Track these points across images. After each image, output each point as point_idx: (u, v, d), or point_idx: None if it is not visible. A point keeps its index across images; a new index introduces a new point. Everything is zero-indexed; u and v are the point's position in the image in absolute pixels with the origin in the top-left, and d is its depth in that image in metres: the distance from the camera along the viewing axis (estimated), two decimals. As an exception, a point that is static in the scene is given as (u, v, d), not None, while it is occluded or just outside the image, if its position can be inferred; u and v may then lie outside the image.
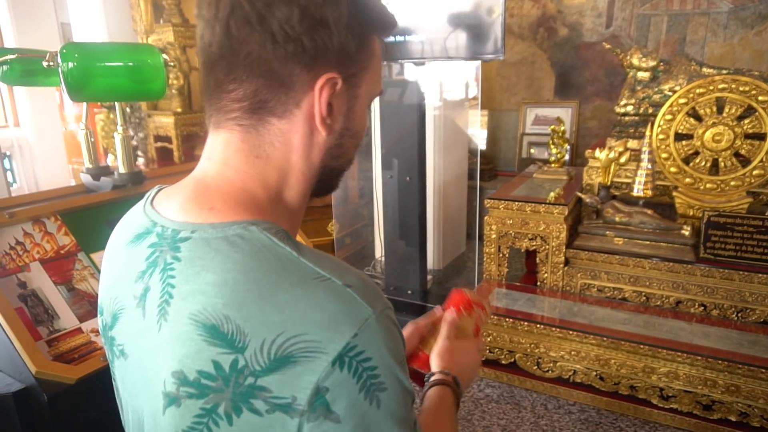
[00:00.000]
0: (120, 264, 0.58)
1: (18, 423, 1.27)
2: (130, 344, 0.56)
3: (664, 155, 2.54)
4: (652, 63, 2.72)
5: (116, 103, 1.57)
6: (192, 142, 4.38)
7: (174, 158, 4.21)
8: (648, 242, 2.45)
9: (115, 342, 0.59)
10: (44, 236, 1.47)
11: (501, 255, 2.71)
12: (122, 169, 1.66)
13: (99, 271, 1.51)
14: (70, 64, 1.29)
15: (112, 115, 4.05)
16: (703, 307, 2.32)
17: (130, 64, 1.37)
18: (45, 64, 1.32)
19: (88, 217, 1.57)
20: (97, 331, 1.40)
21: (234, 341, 0.45)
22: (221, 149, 0.55)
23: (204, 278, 0.48)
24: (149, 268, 0.53)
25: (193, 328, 0.47)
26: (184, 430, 0.48)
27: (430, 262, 3.34)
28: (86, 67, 1.30)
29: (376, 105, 3.15)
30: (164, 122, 4.21)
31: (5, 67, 1.53)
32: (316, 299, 0.46)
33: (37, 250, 1.44)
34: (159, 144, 4.30)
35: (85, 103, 1.61)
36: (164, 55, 1.47)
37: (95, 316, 1.43)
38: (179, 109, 4.21)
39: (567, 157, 3.15)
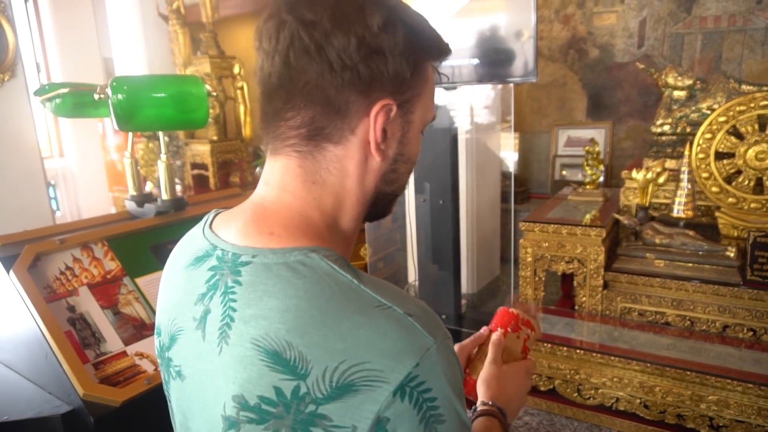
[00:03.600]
0: (179, 286, 0.59)
1: (66, 445, 1.30)
2: (188, 366, 0.57)
3: (704, 175, 2.48)
4: (688, 82, 2.67)
5: (159, 132, 1.63)
6: (227, 170, 4.49)
7: (210, 185, 4.32)
8: (691, 264, 2.37)
9: (172, 363, 0.60)
10: (92, 261, 1.52)
11: (537, 278, 2.67)
12: (165, 196, 1.70)
13: (144, 295, 1.55)
14: (120, 96, 1.35)
15: (151, 145, 4.19)
16: (752, 332, 2.23)
17: (175, 95, 1.43)
18: (96, 96, 1.38)
19: (133, 242, 1.62)
20: (142, 354, 1.43)
21: (296, 368, 0.45)
22: (279, 174, 0.57)
23: (266, 303, 0.48)
24: (210, 290, 0.54)
25: (256, 353, 0.47)
26: None
27: (464, 286, 3.31)
28: (134, 99, 1.36)
29: (407, 129, 3.17)
30: (201, 150, 4.33)
31: (58, 101, 1.61)
32: (378, 327, 0.46)
33: (85, 275, 1.49)
34: (195, 171, 4.42)
35: (130, 133, 1.68)
36: (207, 86, 1.52)
37: (140, 339, 1.46)
38: (215, 137, 4.33)
39: (601, 178, 3.10)
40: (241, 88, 4.50)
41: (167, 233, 1.68)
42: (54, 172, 4.58)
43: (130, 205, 1.74)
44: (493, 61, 2.56)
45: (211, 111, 4.46)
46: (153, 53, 4.30)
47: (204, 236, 0.59)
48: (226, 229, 0.58)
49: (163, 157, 1.64)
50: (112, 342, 1.42)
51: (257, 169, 4.34)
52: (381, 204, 0.61)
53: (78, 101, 1.62)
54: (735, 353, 2.12)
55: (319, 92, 0.52)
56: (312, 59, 0.51)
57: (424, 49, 0.56)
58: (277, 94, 0.54)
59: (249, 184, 4.35)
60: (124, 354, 1.42)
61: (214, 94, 1.54)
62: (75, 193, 4.76)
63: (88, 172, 4.74)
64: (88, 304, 1.45)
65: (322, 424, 0.44)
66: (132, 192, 1.74)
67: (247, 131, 4.57)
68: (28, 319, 1.33)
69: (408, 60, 0.53)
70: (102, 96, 1.36)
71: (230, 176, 4.50)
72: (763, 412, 1.92)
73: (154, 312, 1.53)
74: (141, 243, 1.63)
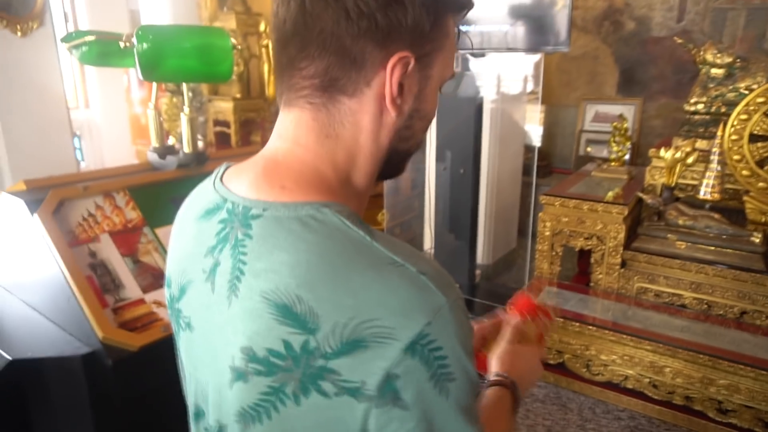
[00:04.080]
0: (189, 238, 0.59)
1: (84, 384, 1.34)
2: (197, 317, 0.57)
3: (736, 157, 2.40)
4: (727, 59, 2.57)
5: (183, 85, 1.63)
6: (249, 128, 4.49)
7: (231, 143, 4.33)
8: (713, 248, 2.33)
9: (181, 314, 0.60)
10: (114, 210, 1.54)
11: (554, 253, 2.65)
12: (187, 149, 1.71)
13: (162, 246, 1.57)
14: (145, 45, 1.34)
15: (175, 99, 4.19)
16: (770, 320, 2.20)
17: (200, 46, 1.41)
18: (122, 44, 1.37)
19: (154, 193, 1.64)
20: (159, 303, 1.46)
21: (306, 322, 0.45)
22: (292, 127, 0.55)
23: (276, 257, 0.48)
24: (219, 243, 0.54)
25: (265, 306, 0.47)
26: (250, 406, 0.49)
27: (480, 256, 3.30)
28: (159, 49, 1.35)
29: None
30: (223, 107, 4.33)
31: (84, 48, 1.60)
32: (390, 284, 0.45)
33: (107, 222, 1.51)
34: (218, 128, 4.43)
35: (154, 85, 1.67)
36: (232, 39, 1.51)
37: (158, 288, 1.49)
38: (238, 95, 4.32)
39: (627, 156, 3.03)
40: (266, 46, 4.45)
41: (188, 186, 1.67)
42: (79, 123, 4.62)
43: (152, 157, 1.76)
44: (525, 29, 2.48)
45: (235, 68, 4.44)
46: (179, 7, 4.25)
47: (215, 189, 0.58)
48: (237, 182, 0.56)
49: (186, 110, 1.64)
50: (131, 289, 1.45)
51: (279, 129, 4.32)
52: (394, 162, 0.59)
53: (104, 50, 1.62)
54: (750, 339, 2.10)
55: (335, 41, 0.50)
56: (328, 5, 0.49)
57: (446, 0, 0.54)
58: (291, 41, 0.52)
59: (270, 144, 4.34)
60: (142, 301, 1.46)
61: (239, 47, 1.52)
62: (99, 144, 4.82)
63: (112, 125, 4.78)
64: (108, 251, 1.48)
65: (330, 379, 0.44)
66: (154, 144, 1.75)
67: (270, 90, 4.54)
68: (51, 262, 1.36)
69: (428, 11, 0.51)
70: (128, 44, 1.36)
71: (251, 135, 4.50)
72: (774, 400, 1.91)
73: (172, 263, 1.56)
74: (162, 194, 1.64)
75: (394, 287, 0.45)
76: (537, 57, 3.17)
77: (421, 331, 0.44)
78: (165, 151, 1.75)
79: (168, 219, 1.65)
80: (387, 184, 3.61)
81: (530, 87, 3.64)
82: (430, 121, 0.60)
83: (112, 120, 4.79)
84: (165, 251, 1.56)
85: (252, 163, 0.58)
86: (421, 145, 0.62)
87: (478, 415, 0.50)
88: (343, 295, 0.45)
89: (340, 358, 0.44)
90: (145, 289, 1.48)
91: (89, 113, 4.79)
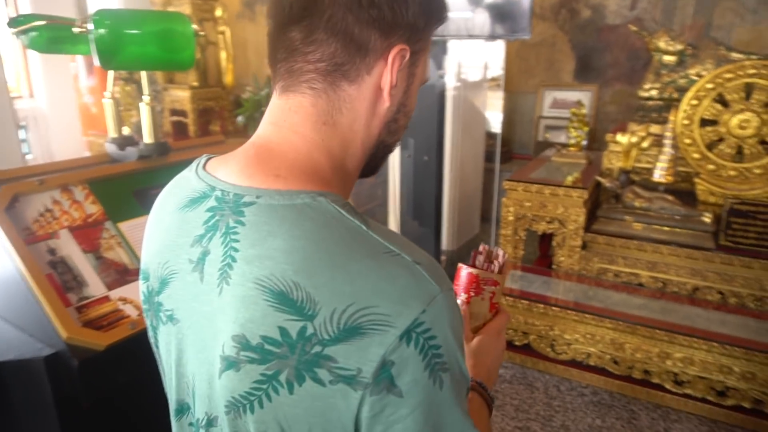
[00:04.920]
0: (172, 228, 0.57)
1: (48, 387, 1.29)
2: (183, 309, 0.56)
3: (687, 141, 2.51)
4: (679, 47, 2.67)
5: (142, 72, 1.57)
6: (207, 117, 4.37)
7: (189, 133, 4.21)
8: (667, 228, 2.43)
9: (162, 307, 0.59)
10: (72, 204, 1.47)
11: (517, 237, 2.71)
12: (148, 140, 1.65)
13: (126, 241, 1.52)
14: (102, 31, 1.28)
15: (128, 88, 4.04)
16: (720, 295, 2.32)
17: (161, 32, 1.36)
18: (77, 30, 1.31)
19: (115, 186, 1.58)
20: (125, 300, 1.42)
21: (303, 308, 0.45)
22: (289, 114, 0.55)
23: (271, 244, 0.47)
24: (209, 232, 0.52)
25: (259, 293, 0.46)
26: (241, 395, 0.48)
27: (444, 243, 3.34)
28: (118, 34, 1.29)
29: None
30: (180, 96, 4.20)
31: (33, 34, 1.52)
32: (387, 273, 0.46)
33: (66, 218, 1.45)
34: (174, 118, 4.30)
35: (111, 73, 1.60)
36: (194, 25, 1.46)
37: (123, 284, 1.44)
38: (195, 83, 4.19)
39: (585, 141, 3.12)
40: (223, 33, 4.34)
41: (151, 178, 1.64)
42: (24, 113, 4.40)
43: (111, 148, 1.69)
44: (486, 16, 2.50)
45: (190, 55, 4.30)
46: (130, -8, 4.08)
47: (198, 178, 0.57)
48: (225, 170, 0.56)
49: (147, 98, 1.58)
50: (95, 286, 1.40)
51: (239, 118, 4.24)
52: (378, 156, 0.61)
53: (55, 35, 1.53)
54: (703, 314, 2.21)
55: (344, 26, 0.51)
56: None
57: (435, 7, 0.57)
58: (297, 26, 0.52)
59: (230, 134, 4.25)
60: (107, 299, 1.41)
61: (202, 33, 1.47)
62: (47, 136, 4.60)
63: (60, 115, 4.56)
64: (69, 247, 1.41)
65: (326, 366, 0.44)
66: (112, 134, 1.68)
67: (228, 78, 4.43)
68: (7, 261, 1.30)
69: (423, 11, 0.55)
70: (83, 30, 1.29)
71: (210, 124, 4.39)
72: (725, 369, 2.03)
73: (137, 257, 1.51)
74: (123, 187, 1.58)
75: (391, 276, 0.46)
76: (498, 44, 3.21)
77: (417, 318, 0.44)
78: (124, 141, 1.68)
79: (131, 212, 1.60)
80: (351, 173, 3.58)
81: (491, 74, 3.69)
82: (409, 119, 0.62)
83: (59, 110, 4.57)
84: (129, 246, 1.51)
85: (241, 151, 0.57)
86: (399, 143, 0.64)
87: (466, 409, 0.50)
88: (341, 282, 0.45)
89: (337, 344, 0.44)
90: (110, 286, 1.43)
91: (35, 103, 4.55)
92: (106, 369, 1.33)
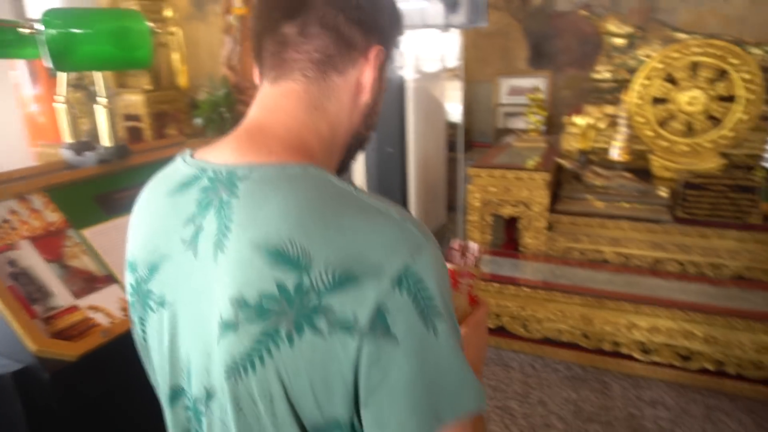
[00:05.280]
0: (161, 214, 0.59)
1: (19, 403, 1.25)
2: (175, 290, 0.57)
3: (640, 119, 2.60)
4: (628, 29, 2.76)
5: (97, 74, 1.52)
6: (163, 121, 4.26)
7: (145, 138, 4.10)
8: (627, 204, 2.52)
9: (151, 295, 0.59)
10: (31, 213, 1.42)
11: (484, 223, 2.76)
12: (106, 143, 1.60)
13: (91, 248, 1.47)
14: (53, 31, 1.23)
15: (78, 95, 3.89)
16: (680, 265, 2.42)
17: (116, 30, 1.32)
18: (24, 31, 1.26)
19: (75, 193, 1.52)
20: (95, 308, 1.37)
21: (299, 263, 0.47)
22: (281, 99, 0.60)
23: (266, 209, 0.50)
24: (202, 210, 0.55)
25: (255, 254, 0.48)
26: (242, 356, 0.49)
27: (413, 233, 3.36)
28: (70, 34, 1.25)
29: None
30: (133, 100, 4.08)
31: (-25, 38, 1.45)
32: (377, 225, 0.49)
33: (26, 228, 1.39)
34: (129, 123, 4.17)
35: (64, 76, 1.55)
36: (149, 23, 1.42)
37: (91, 292, 1.40)
38: (149, 87, 4.08)
39: (543, 126, 3.19)
40: (173, 34, 4.22)
41: (112, 182, 1.59)
42: (-35, 125, 4.18)
43: (67, 154, 1.63)
44: (442, 6, 2.53)
45: (141, 58, 4.18)
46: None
47: (187, 164, 0.59)
48: (216, 153, 0.58)
49: (103, 100, 1.53)
50: (62, 296, 1.35)
51: (196, 120, 4.15)
52: (353, 148, 0.67)
53: (-1, 39, 1.47)
54: (665, 284, 2.30)
55: (335, 23, 0.58)
56: None
57: (398, 19, 0.66)
58: (292, 21, 0.58)
59: (189, 136, 4.16)
60: (75, 308, 1.36)
61: (159, 31, 1.44)
62: (-9, 149, 4.39)
63: (3, 126, 4.36)
64: (31, 258, 1.36)
65: (324, 315, 0.46)
66: (68, 140, 1.63)
67: (182, 80, 4.32)
68: (-35, 275, 1.24)
69: (391, 21, 0.64)
70: (32, 31, 1.24)
71: (166, 128, 4.28)
72: (688, 335, 2.12)
73: (104, 264, 1.46)
74: (84, 193, 1.53)
75: (380, 228, 0.49)
76: (454, 35, 3.24)
77: (406, 264, 0.47)
78: (81, 146, 1.63)
79: (94, 218, 1.55)
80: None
81: (449, 65, 3.72)
82: (377, 118, 0.69)
83: (2, 120, 4.36)
84: (95, 253, 1.46)
85: (232, 135, 0.60)
86: (370, 140, 0.70)
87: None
88: (333, 234, 0.48)
89: (333, 293, 0.46)
90: (77, 295, 1.38)
91: (-25, 115, 4.34)
92: (80, 379, 1.28)
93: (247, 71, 4.09)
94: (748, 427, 1.92)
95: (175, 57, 4.37)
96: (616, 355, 2.25)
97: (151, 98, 4.08)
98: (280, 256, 0.47)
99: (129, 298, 0.64)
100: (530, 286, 2.37)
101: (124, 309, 1.41)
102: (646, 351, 2.21)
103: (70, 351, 1.26)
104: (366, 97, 0.63)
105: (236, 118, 4.06)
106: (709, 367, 2.11)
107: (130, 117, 4.16)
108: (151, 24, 1.38)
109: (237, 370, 0.50)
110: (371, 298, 0.46)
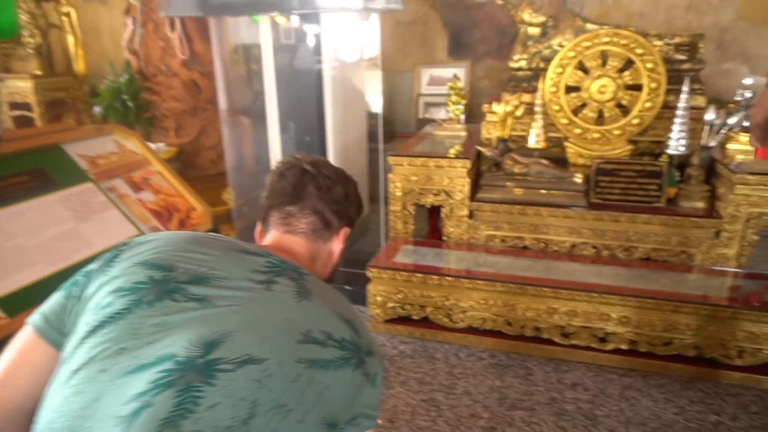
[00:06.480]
0: (219, 255, 0.81)
1: None
2: (227, 294, 0.75)
3: (555, 107, 2.64)
4: (542, 18, 2.80)
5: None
6: (58, 110, 3.88)
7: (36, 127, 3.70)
8: (544, 191, 2.56)
9: (185, 291, 0.73)
10: None
11: (407, 212, 2.70)
12: (-33, 127, 1.37)
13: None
14: None
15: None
16: (595, 249, 2.49)
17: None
18: None
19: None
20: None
21: (358, 331, 0.81)
22: (293, 245, 0.96)
23: (331, 295, 0.85)
24: (272, 273, 0.81)
25: (334, 314, 0.80)
26: (323, 360, 0.73)
27: (335, 226, 3.25)
28: None
29: (270, 66, 2.97)
30: (20, 87, 3.68)
31: None
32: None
33: None
34: (16, 112, 3.75)
35: None
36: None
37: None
38: (38, 72, 3.69)
39: (463, 115, 3.18)
40: (68, 14, 3.85)
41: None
42: None
43: None
44: (358, -13, 2.43)
45: (30, 40, 3.77)
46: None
47: (244, 244, 0.87)
48: (269, 251, 0.89)
49: (-42, 75, 1.30)
50: None
51: (95, 108, 3.79)
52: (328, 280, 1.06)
53: None
54: (582, 268, 2.35)
55: (321, 210, 0.98)
56: (322, 193, 0.98)
57: (359, 211, 1.09)
58: (292, 204, 0.97)
59: (87, 125, 3.80)
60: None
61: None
62: None
63: None
64: None
65: (362, 367, 0.77)
66: None
67: (80, 65, 3.96)
68: None
69: (357, 210, 1.07)
70: None
71: (62, 117, 3.89)
72: (603, 316, 2.17)
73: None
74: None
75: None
76: (373, 23, 3.16)
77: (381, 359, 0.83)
78: (-65, 131, 1.39)
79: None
80: (229, 161, 3.38)
81: (367, 54, 3.63)
82: (338, 268, 1.08)
83: None
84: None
85: (271, 247, 0.94)
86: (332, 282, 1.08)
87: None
88: (359, 325, 0.83)
89: (368, 357, 0.79)
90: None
91: None
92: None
93: (151, 56, 3.79)
94: (659, 402, 1.99)
95: (71, 40, 3.99)
96: (538, 340, 2.27)
97: (42, 85, 3.70)
98: (349, 323, 0.80)
99: (130, 285, 0.73)
100: (453, 276, 2.34)
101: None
102: (565, 335, 2.24)
103: None
104: (334, 259, 1.03)
105: (141, 106, 3.76)
106: (623, 346, 2.18)
107: (17, 105, 3.74)
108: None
109: (316, 364, 0.74)
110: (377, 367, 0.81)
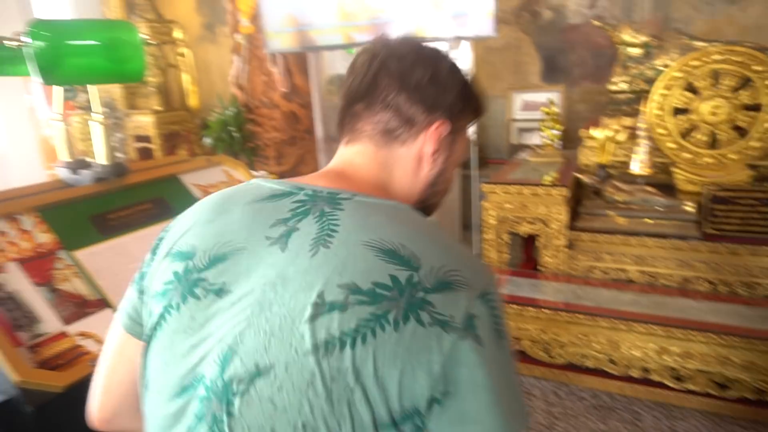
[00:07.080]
0: (240, 217, 0.66)
1: (0, 439, 1.16)
2: (246, 279, 0.60)
3: (661, 131, 2.49)
4: (643, 38, 2.67)
5: (91, 88, 1.46)
6: (174, 141, 4.24)
7: (155, 158, 4.07)
8: (651, 220, 2.40)
9: (202, 282, 0.63)
10: (21, 234, 1.35)
11: (501, 241, 2.64)
12: (103, 161, 1.54)
13: (84, 270, 1.39)
14: (41, 43, 1.17)
15: (88, 116, 3.89)
16: (710, 284, 2.28)
17: (106, 41, 1.26)
18: (11, 44, 1.20)
19: (70, 212, 1.45)
20: (85, 334, 1.29)
21: (410, 262, 0.56)
22: (355, 155, 0.73)
23: (373, 220, 0.61)
24: (297, 216, 0.63)
25: (368, 251, 0.57)
26: (344, 332, 0.53)
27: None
28: (58, 45, 1.19)
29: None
30: (143, 121, 4.07)
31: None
32: (466, 253, 0.62)
33: (14, 249, 1.32)
34: (139, 144, 4.16)
35: (60, 92, 1.49)
36: (143, 35, 1.36)
37: (82, 317, 1.31)
38: (159, 108, 4.07)
39: (560, 140, 3.09)
40: (183, 55, 4.23)
41: (109, 202, 1.52)
42: (-22, 150, 4.20)
43: (63, 173, 1.57)
44: (451, 17, 2.46)
45: (152, 79, 4.18)
46: (82, 15, 3.95)
47: (276, 184, 0.68)
48: (306, 181, 0.69)
49: (98, 116, 1.46)
50: (50, 322, 1.27)
51: (206, 140, 4.11)
52: (424, 211, 0.75)
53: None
54: (695, 305, 2.16)
55: (396, 103, 0.70)
56: (394, 81, 0.70)
57: (472, 99, 0.77)
58: (361, 100, 0.71)
59: (199, 156, 4.13)
60: (64, 335, 1.28)
61: (153, 42, 1.38)
62: (4, 173, 4.40)
63: (18, 150, 4.37)
64: (18, 281, 1.28)
65: (427, 309, 0.53)
66: (64, 158, 1.56)
67: (193, 100, 4.32)
68: (-53, 301, 1.16)
69: (461, 99, 0.74)
70: (19, 44, 1.18)
71: (177, 148, 4.26)
72: (723, 360, 1.97)
73: (96, 287, 1.38)
74: (79, 212, 1.46)
75: (468, 257, 0.62)
76: (464, 49, 3.18)
77: (487, 286, 0.58)
78: (77, 164, 1.57)
79: (89, 239, 1.47)
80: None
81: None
82: (447, 190, 0.79)
83: (16, 145, 4.38)
84: (87, 276, 1.38)
85: (317, 174, 0.72)
86: (438, 206, 0.80)
87: None
88: (434, 249, 0.59)
89: (435, 293, 0.54)
90: (67, 320, 1.30)
91: (-12, 139, 4.36)
92: (67, 412, 1.19)
93: (255, 90, 4.06)
94: (794, 461, 1.76)
95: (186, 78, 4.37)
96: (646, 382, 2.10)
97: (161, 119, 4.07)
98: (394, 255, 0.56)
99: (161, 287, 0.66)
100: (551, 308, 2.24)
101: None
102: (678, 378, 2.05)
103: (56, 381, 1.18)
104: (428, 167, 0.73)
105: (246, 136, 4.02)
106: (749, 396, 1.95)
107: (140, 138, 4.15)
108: (144, 35, 1.32)
109: (332, 344, 0.53)
110: (463, 305, 0.54)
